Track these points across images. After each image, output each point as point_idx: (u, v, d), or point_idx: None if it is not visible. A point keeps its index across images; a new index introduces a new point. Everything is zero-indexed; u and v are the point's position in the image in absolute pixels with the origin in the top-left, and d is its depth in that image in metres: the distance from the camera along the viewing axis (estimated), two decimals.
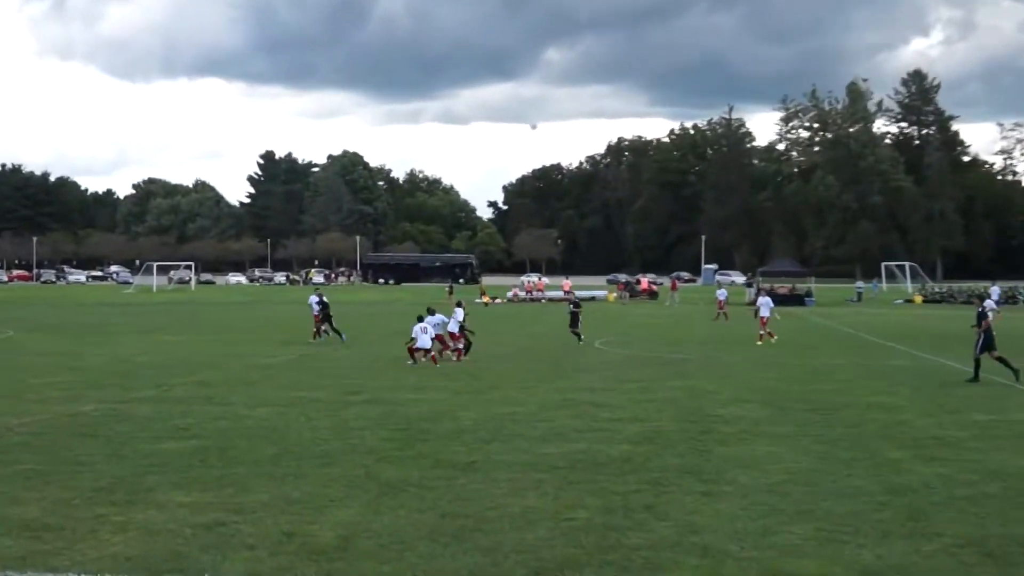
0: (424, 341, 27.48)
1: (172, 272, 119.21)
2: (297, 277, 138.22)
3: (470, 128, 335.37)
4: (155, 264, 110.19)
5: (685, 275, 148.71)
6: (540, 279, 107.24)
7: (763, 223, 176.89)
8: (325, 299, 36.30)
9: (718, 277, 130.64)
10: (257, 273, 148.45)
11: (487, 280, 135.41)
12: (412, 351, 27.52)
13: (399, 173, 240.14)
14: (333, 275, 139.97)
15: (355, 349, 32.15)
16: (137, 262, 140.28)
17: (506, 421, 17.78)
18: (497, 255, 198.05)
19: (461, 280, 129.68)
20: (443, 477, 13.09)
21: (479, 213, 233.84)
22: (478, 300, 68.97)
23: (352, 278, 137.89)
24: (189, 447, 15.10)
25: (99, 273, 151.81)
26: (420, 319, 28.55)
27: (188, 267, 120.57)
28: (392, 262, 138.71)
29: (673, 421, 17.88)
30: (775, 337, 37.12)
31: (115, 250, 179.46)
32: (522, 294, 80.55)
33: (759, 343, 36.18)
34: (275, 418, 18.06)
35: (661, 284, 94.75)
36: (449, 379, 24.35)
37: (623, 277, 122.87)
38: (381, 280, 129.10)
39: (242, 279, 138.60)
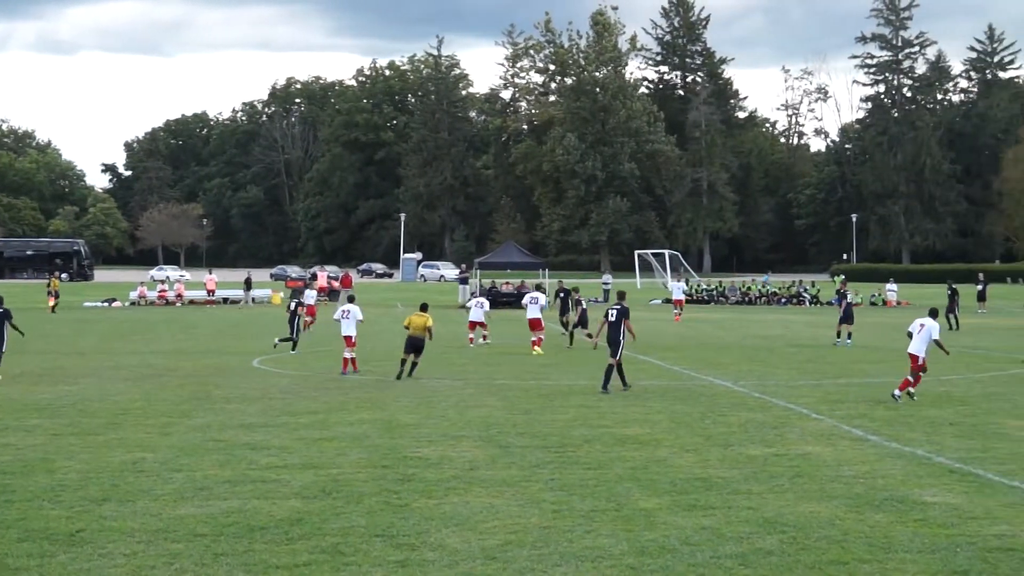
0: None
1: None
2: None
3: (78, 61, 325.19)
4: None
5: (379, 268, 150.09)
6: (180, 278, 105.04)
7: (483, 198, 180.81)
8: None
9: (423, 270, 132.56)
10: None
11: (105, 275, 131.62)
12: None
13: None
14: None
15: None
16: None
17: (126, 473, 17.44)
18: (117, 240, 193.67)
19: (64, 275, 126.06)
20: (35, 554, 12.75)
21: (90, 181, 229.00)
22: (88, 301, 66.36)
23: None
24: None
25: None
26: None
27: None
28: None
29: (359, 467, 18.03)
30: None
31: None
32: (151, 295, 78.78)
33: (475, 344, 37.66)
34: None
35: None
36: (44, 415, 23.54)
37: (293, 271, 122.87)
38: None
39: None
